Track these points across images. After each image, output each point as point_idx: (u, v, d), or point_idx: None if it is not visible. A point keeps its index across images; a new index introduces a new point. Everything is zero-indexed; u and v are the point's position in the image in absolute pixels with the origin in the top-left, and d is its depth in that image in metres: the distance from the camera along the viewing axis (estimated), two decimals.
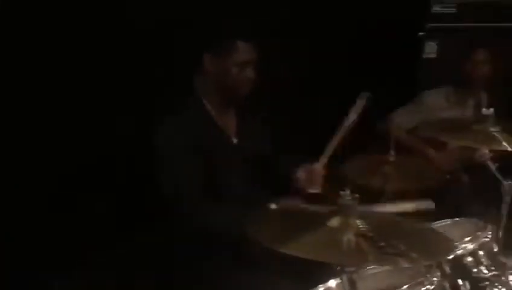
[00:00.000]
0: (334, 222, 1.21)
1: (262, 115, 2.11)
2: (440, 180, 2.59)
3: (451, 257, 1.57)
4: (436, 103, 2.74)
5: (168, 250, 1.87)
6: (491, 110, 1.99)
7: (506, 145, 1.86)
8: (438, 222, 1.83)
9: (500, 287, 1.54)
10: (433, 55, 3.14)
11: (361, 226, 1.19)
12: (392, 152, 2.23)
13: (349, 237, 1.15)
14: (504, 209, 1.94)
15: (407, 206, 2.11)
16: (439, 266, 1.56)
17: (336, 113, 1.99)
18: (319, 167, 1.90)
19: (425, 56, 3.15)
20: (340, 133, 1.90)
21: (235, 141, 1.93)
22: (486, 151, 1.96)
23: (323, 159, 1.91)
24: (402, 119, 2.75)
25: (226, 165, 1.85)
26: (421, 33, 3.13)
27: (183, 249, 1.79)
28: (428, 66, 3.13)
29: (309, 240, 1.18)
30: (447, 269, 1.57)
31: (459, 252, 1.61)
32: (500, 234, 1.91)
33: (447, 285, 1.53)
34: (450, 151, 2.61)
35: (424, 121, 2.73)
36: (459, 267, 1.59)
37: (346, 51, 3.08)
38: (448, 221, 1.83)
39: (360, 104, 1.92)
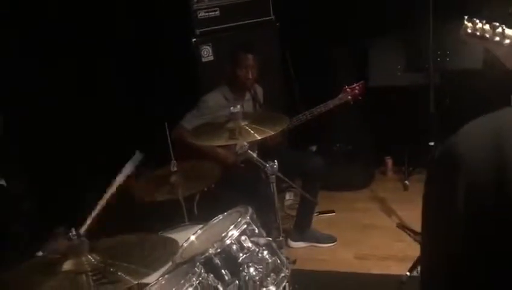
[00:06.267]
0: (68, 265, 1.29)
1: None
2: (236, 170, 2.85)
3: (219, 250, 1.76)
4: (217, 103, 2.96)
5: None
6: (238, 107, 2.24)
7: (256, 135, 2.14)
8: (214, 219, 2.03)
9: (256, 266, 1.75)
10: (210, 58, 3.36)
11: (93, 260, 1.29)
12: (174, 162, 2.39)
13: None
14: (273, 189, 2.22)
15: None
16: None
17: None
18: None
19: (204, 60, 3.36)
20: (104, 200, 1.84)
21: None
22: (245, 143, 2.20)
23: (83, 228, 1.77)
24: (190, 124, 2.92)
25: None
26: (194, 39, 3.33)
27: None
28: (208, 69, 3.34)
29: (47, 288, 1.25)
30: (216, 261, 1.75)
31: (227, 242, 1.80)
32: (279, 214, 2.19)
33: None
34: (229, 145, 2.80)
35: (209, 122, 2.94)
36: (228, 257, 1.77)
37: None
38: (220, 216, 2.02)
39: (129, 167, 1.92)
